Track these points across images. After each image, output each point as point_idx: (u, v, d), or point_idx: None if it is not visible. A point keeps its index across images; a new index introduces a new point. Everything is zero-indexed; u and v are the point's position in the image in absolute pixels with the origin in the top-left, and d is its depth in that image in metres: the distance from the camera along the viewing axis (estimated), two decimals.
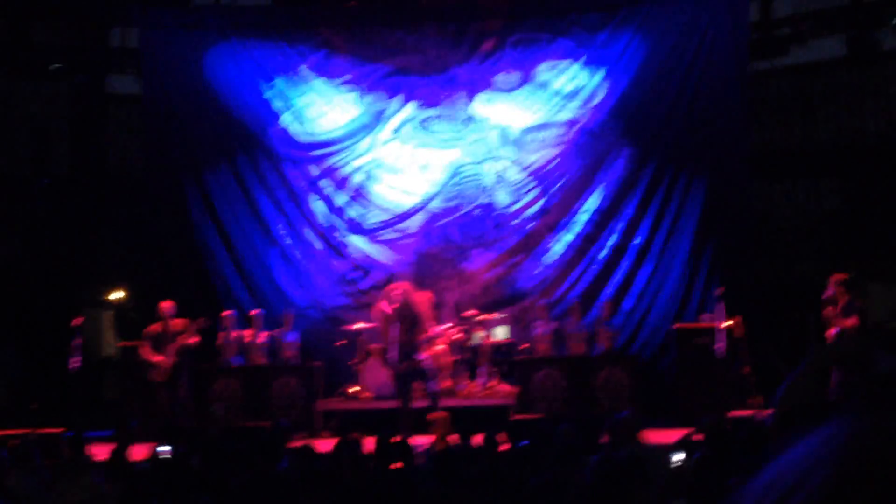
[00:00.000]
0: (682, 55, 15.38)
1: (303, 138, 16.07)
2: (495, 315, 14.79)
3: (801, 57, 16.23)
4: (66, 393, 14.31)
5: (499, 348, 14.22)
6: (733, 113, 15.19)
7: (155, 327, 12.98)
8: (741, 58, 15.29)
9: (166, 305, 13.06)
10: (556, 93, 15.64)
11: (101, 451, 9.45)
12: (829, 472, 0.85)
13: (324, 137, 16.05)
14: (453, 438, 9.05)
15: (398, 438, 8.44)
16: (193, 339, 12.92)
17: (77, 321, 13.11)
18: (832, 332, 11.07)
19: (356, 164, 15.98)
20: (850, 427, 0.88)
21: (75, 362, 12.91)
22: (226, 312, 14.48)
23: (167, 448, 9.11)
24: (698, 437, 8.16)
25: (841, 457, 0.86)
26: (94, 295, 16.33)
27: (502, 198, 15.71)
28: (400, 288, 12.12)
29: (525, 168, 15.69)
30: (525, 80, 15.70)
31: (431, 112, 15.89)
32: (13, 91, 17.05)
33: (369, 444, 8.36)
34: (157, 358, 12.77)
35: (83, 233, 16.76)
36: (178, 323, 13.00)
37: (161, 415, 12.52)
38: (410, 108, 15.92)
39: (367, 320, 13.98)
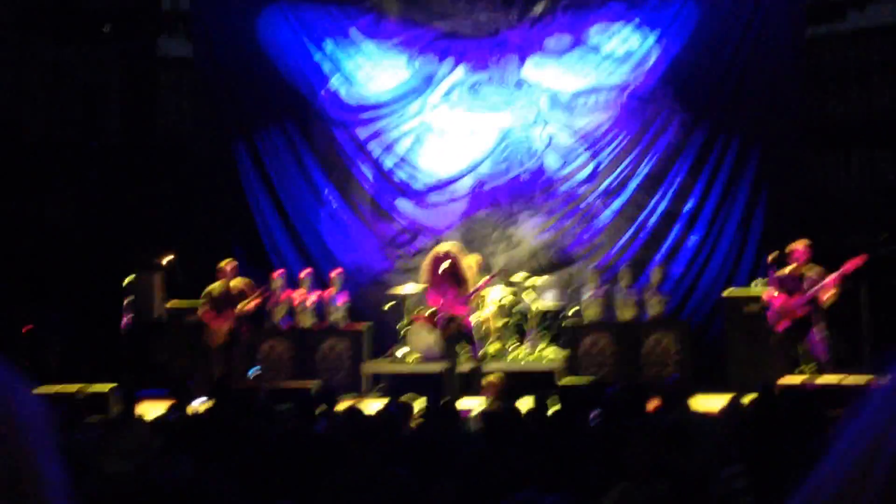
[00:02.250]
0: (736, 19, 15.13)
1: (352, 102, 16.04)
2: (543, 279, 14.74)
3: (859, 22, 15.91)
4: (116, 353, 14.46)
5: (546, 313, 14.17)
6: (788, 79, 14.97)
7: (215, 288, 12.89)
8: (797, 23, 15.04)
9: (228, 265, 12.89)
10: (607, 56, 15.47)
11: (149, 411, 9.54)
12: None
13: (373, 101, 16.01)
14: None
15: (447, 401, 8.44)
16: (254, 304, 12.83)
17: (128, 280, 13.11)
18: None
19: (405, 127, 15.94)
20: None
21: (126, 321, 12.94)
22: (275, 273, 14.50)
23: (202, 399, 9.20)
24: (746, 402, 8.09)
25: None
26: (144, 258, 16.45)
27: (551, 162, 15.61)
28: (447, 250, 12.08)
29: (575, 132, 15.56)
30: (576, 44, 15.55)
31: (481, 76, 15.79)
32: (64, 55, 17.14)
33: (417, 406, 8.38)
34: (216, 320, 12.65)
35: (134, 195, 16.86)
36: (238, 283, 12.88)
37: (212, 377, 12.43)
38: (460, 72, 15.83)
39: (414, 283, 13.97)
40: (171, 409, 9.06)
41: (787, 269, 11.42)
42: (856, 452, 0.82)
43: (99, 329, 15.23)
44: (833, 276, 10.94)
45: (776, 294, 11.37)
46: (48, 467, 1.00)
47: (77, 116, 17.21)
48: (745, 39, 15.09)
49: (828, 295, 11.00)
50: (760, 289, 12.80)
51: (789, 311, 11.22)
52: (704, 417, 8.05)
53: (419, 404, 8.30)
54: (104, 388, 11.11)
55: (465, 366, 12.18)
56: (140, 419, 8.34)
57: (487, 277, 12.59)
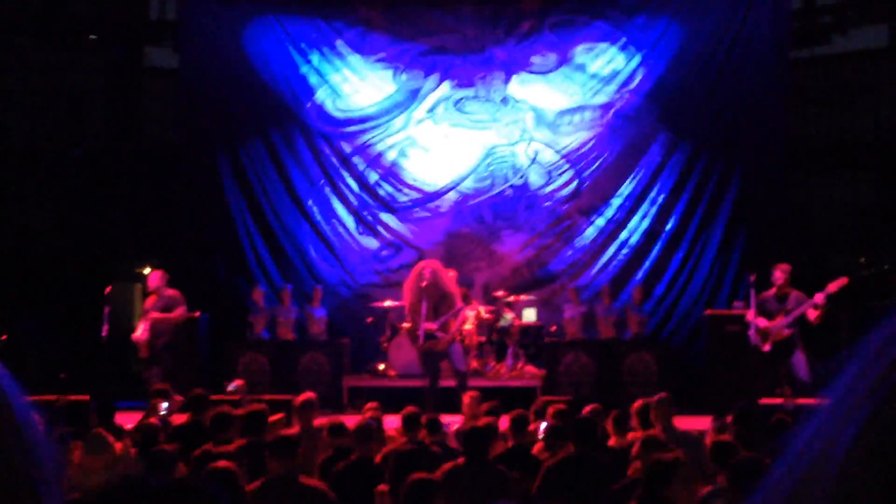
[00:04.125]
0: (720, 41, 15.21)
1: (337, 115, 16.02)
2: (524, 296, 14.73)
3: (842, 46, 16.02)
4: (95, 364, 14.35)
5: (527, 330, 14.15)
6: (771, 101, 15.04)
7: (149, 300, 12.62)
8: (781, 45, 15.12)
9: (153, 276, 12.61)
10: (593, 76, 15.53)
11: (127, 421, 9.48)
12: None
13: (358, 114, 15.99)
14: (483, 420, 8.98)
15: (427, 416, 8.40)
16: (174, 315, 12.43)
17: (107, 290, 13.01)
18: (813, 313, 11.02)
19: (389, 141, 15.93)
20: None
21: (104, 331, 12.84)
22: (256, 287, 14.45)
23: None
24: (728, 420, 8.11)
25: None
26: (125, 269, 16.37)
27: (535, 180, 15.63)
28: (429, 266, 12.04)
29: (559, 151, 15.61)
30: (561, 63, 15.59)
31: (467, 92, 15.81)
32: (50, 62, 17.09)
33: (396, 421, 8.34)
34: (136, 332, 12.49)
35: (116, 205, 16.78)
36: (169, 294, 12.50)
37: (147, 387, 12.01)
38: (446, 88, 15.84)
39: (396, 298, 13.92)
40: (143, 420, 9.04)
41: (768, 292, 11.46)
42: (804, 463, 0.82)
43: (77, 338, 15.12)
44: (818, 295, 10.98)
45: (757, 315, 11.40)
46: (44, 467, 0.99)
47: (61, 123, 17.15)
48: (730, 61, 15.17)
49: (815, 315, 11.04)
50: (741, 310, 12.82)
51: (775, 332, 11.25)
52: (687, 436, 8.06)
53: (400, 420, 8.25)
54: (82, 398, 11.00)
55: (445, 382, 12.12)
56: (120, 430, 8.29)
57: (464, 305, 12.47)
